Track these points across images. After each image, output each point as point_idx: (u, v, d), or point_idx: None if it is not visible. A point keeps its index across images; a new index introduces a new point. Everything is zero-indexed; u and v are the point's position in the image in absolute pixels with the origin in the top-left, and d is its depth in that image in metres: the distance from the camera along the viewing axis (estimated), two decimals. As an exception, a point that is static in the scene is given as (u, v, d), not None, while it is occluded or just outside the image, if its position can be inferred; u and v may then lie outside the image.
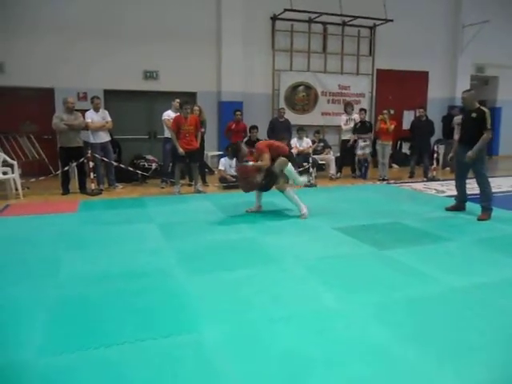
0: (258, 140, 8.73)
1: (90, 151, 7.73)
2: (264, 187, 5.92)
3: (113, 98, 9.98)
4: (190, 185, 8.40)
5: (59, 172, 7.85)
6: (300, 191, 6.67)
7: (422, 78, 12.96)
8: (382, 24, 11.67)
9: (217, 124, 10.71)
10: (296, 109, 11.65)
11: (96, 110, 8.03)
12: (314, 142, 9.72)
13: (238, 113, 9.33)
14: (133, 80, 10.11)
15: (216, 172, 9.53)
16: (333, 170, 9.70)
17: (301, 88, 11.64)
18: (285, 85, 11.46)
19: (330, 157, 9.80)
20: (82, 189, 7.74)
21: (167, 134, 8.18)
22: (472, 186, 6.32)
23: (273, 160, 5.72)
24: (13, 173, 7.39)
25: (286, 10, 10.44)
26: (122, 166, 8.50)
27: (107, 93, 9.86)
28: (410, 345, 2.56)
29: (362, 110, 9.99)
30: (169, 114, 8.25)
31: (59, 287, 3.43)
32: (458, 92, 10.99)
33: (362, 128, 9.65)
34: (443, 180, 9.29)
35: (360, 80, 12.18)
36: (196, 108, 8.48)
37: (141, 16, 9.96)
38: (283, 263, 4.01)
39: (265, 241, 4.74)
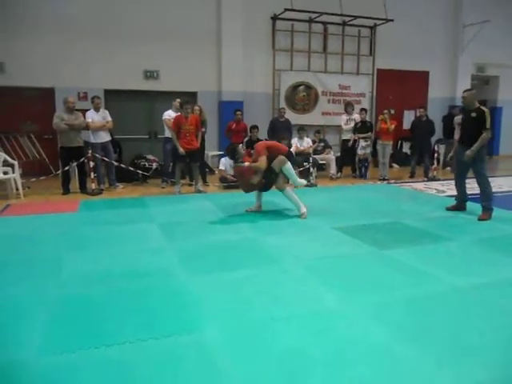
0: (258, 140, 8.74)
1: (90, 151, 7.74)
2: (264, 187, 5.92)
3: (113, 98, 9.98)
4: (190, 184, 8.40)
5: (60, 172, 7.85)
6: (300, 191, 6.67)
7: (422, 77, 12.96)
8: (382, 24, 11.67)
9: (217, 124, 10.72)
10: (296, 109, 11.65)
11: (96, 109, 8.04)
12: (314, 142, 9.73)
13: (239, 112, 9.34)
14: (133, 80, 10.11)
15: (216, 172, 9.54)
16: (333, 169, 9.71)
17: (301, 88, 11.64)
18: (285, 84, 11.46)
19: (330, 157, 9.81)
20: (83, 189, 7.74)
21: (168, 133, 8.19)
22: (472, 186, 6.33)
23: (272, 159, 5.72)
24: (13, 172, 7.39)
25: (286, 9, 10.44)
26: (123, 165, 8.51)
27: (108, 92, 9.87)
28: (410, 345, 2.57)
29: (362, 109, 10.00)
30: (169, 114, 8.26)
31: (60, 287, 3.43)
32: (459, 92, 10.97)
33: (362, 128, 9.65)
34: (444, 180, 9.29)
35: (360, 80, 12.18)
36: (196, 108, 8.48)
37: (141, 16, 9.96)
38: (283, 263, 4.01)
39: (265, 241, 4.75)
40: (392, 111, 10.97)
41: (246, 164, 5.72)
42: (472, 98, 5.79)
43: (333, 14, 10.91)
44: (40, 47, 9.32)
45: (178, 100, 8.26)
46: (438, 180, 9.38)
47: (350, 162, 10.09)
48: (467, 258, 4.18)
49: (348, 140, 9.85)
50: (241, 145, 8.70)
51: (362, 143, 9.57)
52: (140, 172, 8.68)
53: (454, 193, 6.40)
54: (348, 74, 12.05)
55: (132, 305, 3.09)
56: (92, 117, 7.92)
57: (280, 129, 9.41)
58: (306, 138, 9.48)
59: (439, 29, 12.82)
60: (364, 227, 5.28)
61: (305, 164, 8.91)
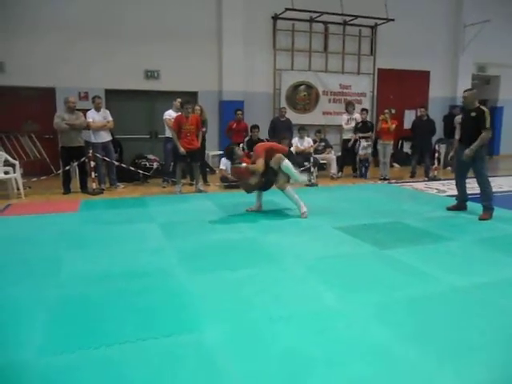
0: (259, 139, 8.75)
1: (91, 151, 7.74)
2: (263, 186, 5.92)
3: (114, 98, 9.99)
4: (191, 184, 8.40)
5: (60, 171, 7.86)
6: (301, 190, 6.66)
7: (423, 77, 12.95)
8: (383, 23, 11.67)
9: (218, 123, 10.72)
10: (297, 108, 11.65)
11: (97, 109, 8.04)
12: (315, 142, 9.72)
13: (239, 112, 9.34)
14: (134, 79, 10.12)
15: (217, 171, 9.54)
16: (334, 169, 9.70)
17: (302, 87, 11.64)
18: (286, 84, 11.46)
19: (331, 156, 9.80)
20: (84, 188, 7.75)
21: (168, 133, 8.20)
22: (472, 186, 6.32)
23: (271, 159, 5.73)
24: (14, 172, 7.40)
25: (287, 9, 10.45)
26: (124, 165, 8.51)
27: (108, 92, 9.88)
28: (411, 344, 2.56)
29: (363, 110, 10.00)
30: (170, 114, 8.26)
31: (60, 287, 3.43)
32: (460, 91, 10.95)
33: (363, 128, 9.65)
34: (444, 179, 9.28)
35: (361, 79, 12.18)
36: (197, 107, 8.48)
37: (142, 16, 9.97)
38: (284, 263, 4.01)
39: (265, 240, 4.74)
40: (393, 111, 10.97)
41: (243, 165, 5.72)
42: (472, 97, 5.78)
43: (334, 14, 10.91)
44: (41, 47, 9.33)
45: (179, 100, 8.26)
46: (439, 180, 9.37)
47: (351, 162, 10.09)
48: (468, 258, 4.17)
49: (349, 140, 9.84)
50: (241, 145, 8.73)
51: (363, 143, 9.56)
52: (141, 172, 8.68)
53: (455, 192, 6.39)
54: (349, 74, 12.04)
55: (132, 305, 3.09)
56: (93, 116, 7.92)
57: (281, 128, 9.41)
58: (306, 138, 9.48)
59: (440, 28, 12.80)
60: (365, 227, 5.28)
61: (305, 164, 8.91)
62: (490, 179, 5.87)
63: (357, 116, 9.94)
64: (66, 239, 4.75)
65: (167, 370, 2.32)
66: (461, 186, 6.09)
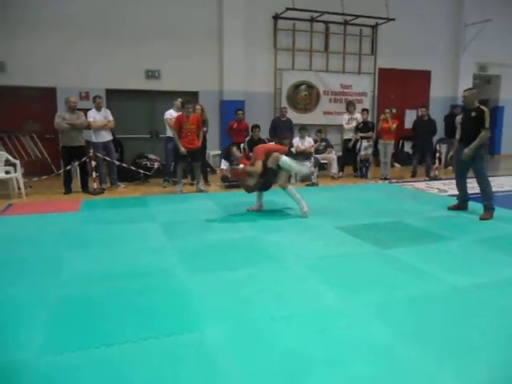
0: (260, 139, 8.74)
1: (92, 150, 7.74)
2: (263, 186, 5.91)
3: (115, 98, 10.00)
4: (191, 184, 8.41)
5: (61, 171, 7.86)
6: (302, 190, 6.66)
7: (424, 76, 12.94)
8: (384, 23, 11.67)
9: (219, 123, 10.73)
10: (298, 108, 11.65)
11: (98, 109, 8.05)
12: (315, 142, 9.72)
13: (240, 112, 9.33)
14: (135, 79, 10.13)
15: (218, 171, 9.55)
16: (335, 169, 9.70)
17: (303, 87, 11.64)
18: (287, 84, 11.46)
19: (331, 156, 9.80)
20: (85, 188, 7.76)
21: (169, 133, 8.20)
22: (473, 186, 6.31)
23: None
24: (15, 172, 7.41)
25: (287, 8, 10.45)
26: (124, 165, 8.52)
27: (109, 92, 9.89)
28: (412, 344, 2.56)
29: (364, 110, 10.00)
30: (171, 113, 8.26)
31: (61, 286, 3.44)
32: (461, 91, 10.92)
33: (364, 128, 9.65)
34: (445, 179, 9.28)
35: (362, 79, 12.17)
36: (198, 107, 8.48)
37: (143, 16, 9.98)
38: (285, 262, 4.01)
39: (266, 240, 4.74)
40: (394, 110, 10.97)
41: (241, 166, 5.72)
42: (472, 97, 5.79)
43: (334, 13, 10.91)
44: (42, 47, 9.34)
45: (180, 99, 8.26)
46: (440, 179, 9.37)
47: (352, 162, 10.08)
48: (469, 258, 4.17)
49: (349, 139, 9.84)
50: (242, 144, 8.73)
51: (364, 143, 9.56)
52: (142, 171, 8.68)
53: (456, 192, 6.39)
54: (350, 74, 12.04)
55: (133, 304, 3.09)
56: (93, 116, 7.93)
57: (281, 128, 9.40)
58: (307, 138, 9.47)
59: (441, 28, 12.79)
60: (365, 226, 5.28)
61: (306, 163, 8.88)
62: (491, 179, 5.87)
63: (357, 116, 9.93)
64: (67, 239, 4.76)
65: (168, 369, 2.32)
66: (461, 185, 6.09)
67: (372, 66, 12.28)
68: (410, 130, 10.89)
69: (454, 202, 6.32)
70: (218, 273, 3.72)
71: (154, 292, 3.32)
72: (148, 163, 9.08)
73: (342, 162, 9.97)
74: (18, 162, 7.56)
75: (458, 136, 6.07)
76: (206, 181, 8.69)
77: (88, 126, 7.83)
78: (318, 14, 11.02)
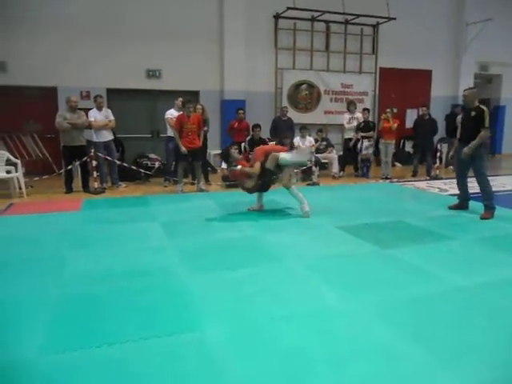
0: (260, 139, 8.75)
1: (93, 150, 7.75)
2: (261, 188, 5.91)
3: (116, 97, 10.00)
4: (192, 183, 8.41)
5: (62, 171, 7.87)
6: (303, 190, 6.65)
7: (425, 76, 12.93)
8: (384, 22, 11.65)
9: (219, 122, 10.73)
10: (299, 107, 11.65)
11: (99, 108, 8.05)
12: (316, 141, 9.72)
13: (241, 111, 9.33)
14: (135, 79, 10.12)
15: (219, 170, 9.55)
16: (335, 168, 9.70)
17: (303, 86, 11.64)
18: (287, 83, 11.46)
19: (332, 155, 9.80)
20: (86, 187, 7.77)
21: (170, 132, 8.20)
22: (473, 185, 6.30)
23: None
24: (16, 171, 7.41)
25: (288, 8, 10.45)
26: (125, 164, 8.53)
27: (110, 91, 9.89)
28: (413, 343, 2.56)
29: (365, 109, 10.00)
30: (172, 113, 8.26)
31: (62, 286, 3.44)
32: (462, 90, 10.86)
33: (365, 128, 9.64)
34: (446, 179, 9.26)
35: (363, 78, 12.17)
36: (199, 107, 8.49)
37: (144, 15, 9.98)
38: (285, 262, 4.01)
39: (267, 239, 4.74)
40: (395, 110, 10.96)
41: (238, 167, 5.72)
42: (472, 96, 5.79)
43: (335, 13, 10.91)
44: (42, 47, 9.34)
45: (181, 99, 8.27)
46: (441, 179, 9.36)
47: (353, 161, 10.08)
48: (469, 257, 4.17)
49: (350, 139, 9.84)
50: (242, 144, 8.73)
51: (365, 143, 9.56)
52: (142, 171, 8.69)
53: (457, 192, 6.38)
54: (350, 73, 12.03)
55: (134, 304, 3.09)
56: (94, 116, 7.93)
57: (282, 128, 9.40)
58: (308, 137, 9.47)
59: (442, 27, 12.78)
60: (366, 226, 5.27)
61: (307, 163, 8.89)
62: (492, 178, 5.87)
63: (358, 115, 9.93)
64: (68, 238, 4.76)
65: (168, 369, 2.32)
66: (462, 185, 6.09)
67: (373, 65, 12.27)
68: (410, 129, 10.89)
69: (455, 201, 6.32)
70: (219, 272, 3.72)
71: (155, 291, 3.32)
72: (149, 163, 9.09)
73: (343, 162, 9.96)
74: (19, 161, 7.56)
75: (458, 135, 6.07)
76: (207, 180, 8.69)
77: (89, 126, 7.84)
78: (319, 13, 11.01)
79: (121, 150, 9.32)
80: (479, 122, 5.59)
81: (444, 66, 13.03)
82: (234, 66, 10.58)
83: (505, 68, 13.85)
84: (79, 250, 4.39)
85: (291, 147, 9.16)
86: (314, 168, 8.73)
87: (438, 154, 9.90)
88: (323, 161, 9.72)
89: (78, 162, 7.75)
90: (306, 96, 11.71)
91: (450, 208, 6.19)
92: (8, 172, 7.40)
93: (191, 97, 9.26)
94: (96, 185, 7.82)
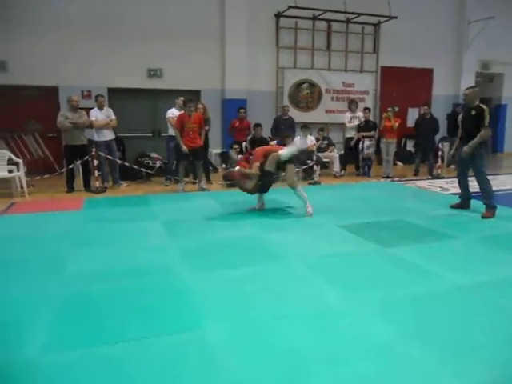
0: (262, 138, 8.75)
1: (94, 149, 7.75)
2: (261, 188, 5.91)
3: (117, 96, 10.00)
4: (193, 182, 8.42)
5: (64, 170, 7.89)
6: (304, 189, 6.65)
7: (426, 75, 12.91)
8: (386, 21, 11.63)
9: (221, 122, 10.72)
10: (300, 106, 11.64)
11: (100, 108, 8.06)
12: (317, 140, 9.72)
13: (242, 110, 9.33)
14: (137, 78, 10.12)
15: (220, 170, 9.55)
16: (337, 167, 9.70)
17: (305, 85, 11.63)
18: (289, 82, 11.45)
19: (334, 154, 9.80)
20: (87, 187, 7.78)
21: (171, 131, 8.21)
22: (474, 184, 6.29)
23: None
24: (18, 171, 7.42)
25: (290, 7, 10.45)
26: (127, 164, 8.54)
27: (111, 91, 9.88)
28: (414, 342, 2.56)
29: (366, 108, 9.99)
30: (173, 112, 8.27)
31: (63, 285, 3.44)
32: (463, 89, 10.94)
33: (365, 127, 9.64)
34: (448, 178, 9.25)
35: (364, 77, 12.15)
36: (200, 106, 8.50)
37: (145, 14, 9.97)
38: (287, 261, 4.01)
39: (268, 238, 4.74)
40: (396, 109, 10.95)
41: (237, 169, 5.72)
42: (473, 95, 5.78)
43: (336, 12, 10.90)
44: (43, 46, 9.35)
45: (182, 98, 8.27)
46: (442, 178, 9.35)
47: (354, 160, 10.07)
48: (471, 256, 4.17)
49: (352, 138, 9.83)
50: (244, 143, 8.73)
51: (366, 142, 9.55)
52: (144, 170, 8.70)
53: (458, 190, 6.37)
54: (352, 72, 12.01)
55: (134, 303, 3.10)
56: (96, 115, 7.94)
57: (283, 127, 9.40)
58: (309, 136, 9.47)
59: (443, 26, 12.75)
60: (368, 225, 5.27)
61: (308, 162, 8.91)
62: (494, 177, 5.87)
63: (360, 114, 9.92)
64: (70, 237, 4.77)
65: (169, 368, 2.32)
66: (463, 184, 6.08)
67: (374, 64, 12.25)
68: (412, 128, 10.88)
69: (457, 200, 6.31)
70: (220, 271, 3.72)
71: (156, 290, 3.32)
72: (150, 162, 9.09)
73: (344, 161, 9.96)
74: (20, 160, 7.57)
75: (459, 134, 6.06)
76: (208, 179, 8.69)
77: (90, 125, 7.85)
78: (321, 12, 11.00)
79: (122, 149, 9.34)
80: (479, 121, 5.59)
81: (445, 64, 13.01)
82: (235, 65, 10.57)
83: (506, 67, 13.81)
84: (80, 249, 4.39)
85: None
86: (315, 167, 8.73)
87: (440, 152, 9.88)
88: (324, 160, 9.72)
89: (79, 162, 7.75)
90: (307, 95, 11.70)
91: (452, 207, 6.19)
92: (10, 171, 7.41)
93: (192, 96, 9.26)
94: (97, 184, 7.82)
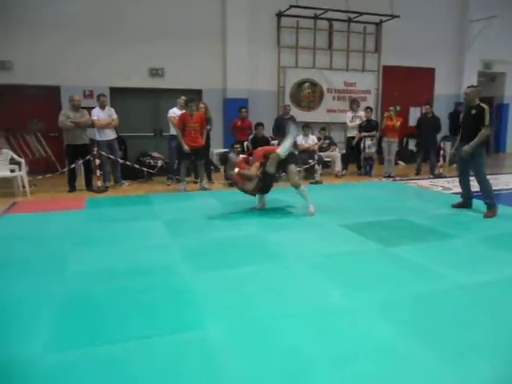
0: (263, 137, 8.75)
1: (96, 149, 7.76)
2: (262, 189, 5.90)
3: (119, 96, 10.00)
4: (195, 182, 8.42)
5: (66, 169, 7.89)
6: (306, 188, 6.66)
7: (428, 74, 12.88)
8: (387, 20, 11.61)
9: (222, 121, 10.72)
10: (301, 106, 11.63)
11: (102, 107, 8.06)
12: (319, 139, 9.71)
13: (244, 110, 9.34)
14: (138, 77, 10.13)
15: (221, 169, 9.54)
16: (338, 167, 9.69)
17: (306, 85, 11.61)
18: (290, 82, 11.44)
19: (335, 154, 9.79)
20: (89, 186, 7.79)
21: (173, 131, 8.21)
22: (475, 183, 6.28)
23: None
24: (20, 170, 7.44)
25: (291, 6, 10.43)
26: (128, 163, 8.54)
27: (113, 90, 9.89)
28: (415, 342, 2.56)
29: (367, 108, 9.97)
30: (174, 112, 8.27)
31: (65, 284, 3.45)
32: (465, 88, 10.92)
33: (367, 127, 9.62)
34: (450, 177, 9.23)
35: (366, 77, 12.13)
36: (201, 105, 8.49)
37: (148, 14, 9.97)
38: (288, 260, 4.01)
39: (270, 238, 4.74)
40: (398, 108, 10.92)
41: (236, 171, 5.72)
42: (474, 95, 5.78)
43: (338, 11, 10.88)
44: (44, 46, 9.34)
45: (183, 97, 8.26)
46: (444, 177, 9.33)
47: (356, 160, 10.06)
48: (472, 256, 4.16)
49: (353, 137, 9.82)
50: (245, 143, 8.73)
51: (368, 142, 9.54)
52: (145, 169, 8.71)
53: (460, 190, 6.37)
54: (353, 71, 11.99)
55: (136, 302, 3.10)
56: (97, 114, 7.95)
57: (285, 126, 9.36)
58: (311, 136, 9.47)
59: (445, 25, 12.72)
60: (369, 224, 5.27)
61: (310, 161, 8.91)
62: (496, 176, 5.86)
63: (361, 114, 9.91)
64: (71, 237, 4.78)
65: (171, 367, 2.32)
66: (464, 183, 6.07)
67: (376, 63, 12.23)
68: (414, 127, 10.87)
69: (458, 199, 6.31)
70: (221, 271, 3.73)
71: (158, 290, 3.33)
72: (152, 161, 9.11)
73: (346, 160, 9.95)
74: (22, 160, 7.59)
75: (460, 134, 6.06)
76: (210, 179, 8.69)
77: (92, 125, 7.86)
78: (322, 11, 10.98)
79: (124, 149, 9.34)
80: (479, 121, 5.58)
81: (447, 63, 12.98)
82: (237, 65, 10.57)
83: (508, 66, 13.78)
84: (82, 248, 4.40)
85: (294, 146, 9.19)
86: (316, 166, 8.73)
87: (442, 152, 9.87)
88: (326, 159, 9.72)
89: (81, 161, 7.76)
90: (308, 94, 11.69)
91: (453, 206, 6.18)
92: (12, 171, 7.43)
93: (194, 95, 9.26)
94: (99, 183, 7.83)
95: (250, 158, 5.93)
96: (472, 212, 5.90)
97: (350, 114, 10.04)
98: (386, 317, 2.87)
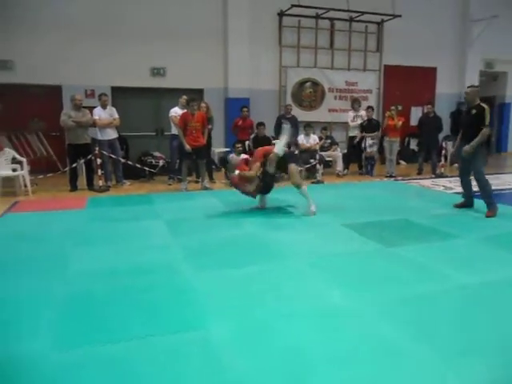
0: (265, 137, 8.75)
1: (97, 148, 7.77)
2: (263, 190, 5.90)
3: (120, 95, 10.00)
4: (196, 181, 8.43)
5: (67, 169, 7.90)
6: (307, 188, 6.65)
7: (430, 73, 12.86)
8: (389, 19, 11.59)
9: (224, 120, 10.72)
10: (303, 105, 11.61)
11: (103, 106, 8.07)
12: (321, 139, 9.71)
13: (245, 109, 9.33)
14: (140, 77, 10.13)
15: (223, 168, 9.54)
16: (340, 166, 9.68)
17: (308, 84, 11.60)
18: (292, 81, 11.43)
19: (337, 153, 9.79)
20: (90, 185, 7.80)
21: (174, 130, 8.21)
22: (475, 183, 6.28)
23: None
24: (22, 170, 7.45)
25: (293, 5, 10.42)
26: (130, 162, 8.55)
27: (114, 90, 9.89)
28: (417, 341, 2.56)
29: (369, 107, 9.97)
30: (176, 111, 8.27)
31: (66, 284, 3.45)
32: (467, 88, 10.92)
33: (368, 126, 9.62)
34: (451, 176, 9.22)
35: (367, 76, 12.11)
36: (203, 105, 8.50)
37: (147, 14, 9.97)
38: (290, 260, 4.01)
39: (271, 237, 4.74)
40: (399, 107, 10.91)
41: (237, 172, 5.72)
42: (474, 94, 5.78)
43: (340, 10, 10.86)
44: (44, 46, 9.34)
45: (185, 97, 8.27)
46: (446, 177, 9.32)
47: (357, 159, 10.06)
48: (474, 256, 4.16)
49: (355, 137, 9.82)
50: (247, 142, 8.73)
51: (369, 141, 9.53)
52: (147, 169, 8.72)
53: (462, 190, 6.36)
54: (355, 71, 11.98)
55: (138, 302, 3.10)
56: (99, 114, 7.95)
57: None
58: (312, 135, 9.46)
59: (447, 24, 12.69)
60: (371, 224, 5.26)
61: (311, 161, 8.90)
62: (497, 176, 5.85)
63: (363, 113, 9.91)
64: (73, 236, 4.78)
65: (173, 367, 2.33)
66: (465, 183, 6.06)
67: (377, 62, 12.21)
68: (415, 127, 10.85)
69: (460, 199, 6.30)
70: (223, 270, 3.73)
71: (159, 289, 3.33)
72: (153, 161, 9.11)
73: (347, 160, 9.95)
74: (24, 159, 7.60)
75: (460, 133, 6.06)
76: (211, 178, 8.69)
77: (93, 124, 7.86)
78: (324, 10, 10.96)
79: (125, 148, 9.34)
80: (480, 120, 5.58)
81: (449, 63, 12.95)
82: (238, 64, 10.56)
83: (510, 65, 13.74)
84: (84, 247, 4.40)
85: (295, 145, 9.20)
86: (318, 166, 8.73)
87: (443, 151, 9.86)
88: (327, 159, 9.71)
89: (82, 160, 7.77)
90: (310, 94, 11.67)
91: (455, 206, 6.17)
92: (14, 170, 7.44)
93: (195, 95, 9.26)
94: (100, 183, 7.84)
95: (250, 158, 5.93)
96: (474, 212, 5.89)
97: (351, 114, 10.04)
98: (388, 317, 2.87)
